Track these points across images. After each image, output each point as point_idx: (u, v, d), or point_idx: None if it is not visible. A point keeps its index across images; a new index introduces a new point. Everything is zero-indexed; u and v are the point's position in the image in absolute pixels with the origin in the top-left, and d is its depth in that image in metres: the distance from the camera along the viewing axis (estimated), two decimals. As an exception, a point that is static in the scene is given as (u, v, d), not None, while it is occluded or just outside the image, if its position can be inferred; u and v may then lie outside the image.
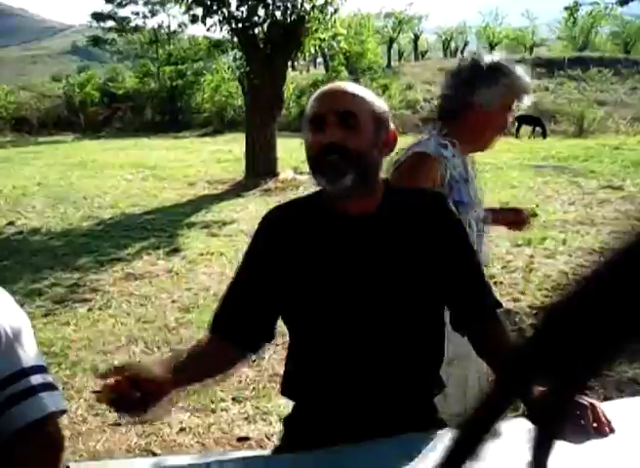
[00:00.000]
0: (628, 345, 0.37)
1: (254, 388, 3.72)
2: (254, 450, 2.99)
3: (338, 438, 1.46)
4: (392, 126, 1.59)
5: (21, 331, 1.40)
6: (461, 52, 55.58)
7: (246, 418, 3.41)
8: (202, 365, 1.54)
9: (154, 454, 3.06)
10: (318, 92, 1.57)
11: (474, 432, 0.39)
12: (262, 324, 1.62)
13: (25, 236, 7.89)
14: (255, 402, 3.56)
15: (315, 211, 1.59)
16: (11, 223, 8.51)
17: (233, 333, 1.59)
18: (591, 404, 1.46)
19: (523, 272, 5.79)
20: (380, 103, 1.57)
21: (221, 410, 3.49)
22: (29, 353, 1.38)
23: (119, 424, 3.34)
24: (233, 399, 3.60)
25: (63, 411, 1.40)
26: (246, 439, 3.22)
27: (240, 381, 3.81)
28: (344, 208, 1.56)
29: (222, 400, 3.59)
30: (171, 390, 1.37)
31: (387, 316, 1.52)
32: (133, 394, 1.29)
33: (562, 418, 0.39)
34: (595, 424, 1.44)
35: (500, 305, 1.65)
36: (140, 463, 1.57)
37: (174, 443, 3.20)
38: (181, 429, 3.31)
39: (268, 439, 3.21)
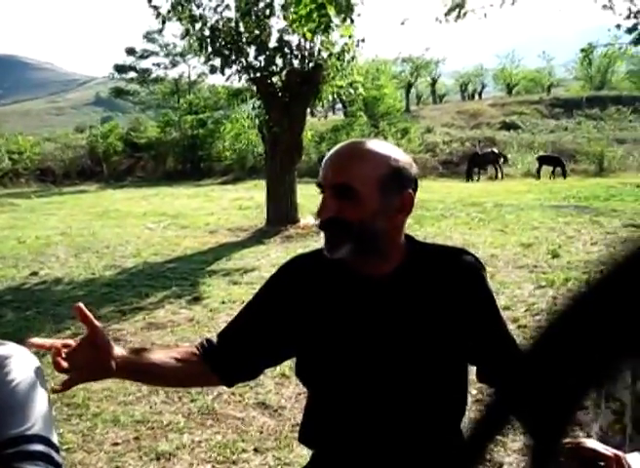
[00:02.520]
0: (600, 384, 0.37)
1: (275, 438, 3.67)
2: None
3: None
4: (410, 185, 1.51)
5: (34, 393, 1.39)
6: (479, 94, 55.96)
7: (267, 469, 3.37)
8: (171, 366, 1.56)
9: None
10: (329, 153, 1.54)
11: None
12: (249, 363, 1.63)
13: (48, 286, 7.95)
14: (276, 452, 3.51)
15: (334, 267, 1.57)
16: (34, 273, 8.58)
17: (217, 362, 1.60)
18: (616, 455, 1.42)
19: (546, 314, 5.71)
20: (393, 163, 1.49)
21: (243, 462, 3.44)
22: (39, 421, 1.36)
23: (140, 477, 3.31)
24: (255, 450, 3.56)
25: None
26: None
27: (261, 431, 3.77)
28: (357, 268, 1.55)
29: (244, 450, 3.55)
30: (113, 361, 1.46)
31: (404, 374, 1.50)
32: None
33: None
34: None
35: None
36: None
37: (195, 496, 3.16)
38: (203, 482, 3.27)
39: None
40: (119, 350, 1.50)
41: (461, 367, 1.58)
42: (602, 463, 1.41)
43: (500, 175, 24.03)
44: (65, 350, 1.44)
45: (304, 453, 3.24)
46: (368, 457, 1.51)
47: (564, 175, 22.01)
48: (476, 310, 1.55)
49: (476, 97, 55.26)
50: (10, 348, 1.45)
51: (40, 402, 1.39)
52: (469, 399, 1.65)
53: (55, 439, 1.39)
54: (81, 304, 1.48)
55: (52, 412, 1.43)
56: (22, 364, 1.42)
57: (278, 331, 1.59)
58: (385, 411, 1.50)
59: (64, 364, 1.41)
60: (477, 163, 23.96)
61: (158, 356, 1.57)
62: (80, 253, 9.98)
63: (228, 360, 1.61)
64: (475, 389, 4.08)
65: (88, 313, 1.47)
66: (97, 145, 31.50)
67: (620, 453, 1.43)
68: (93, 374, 1.48)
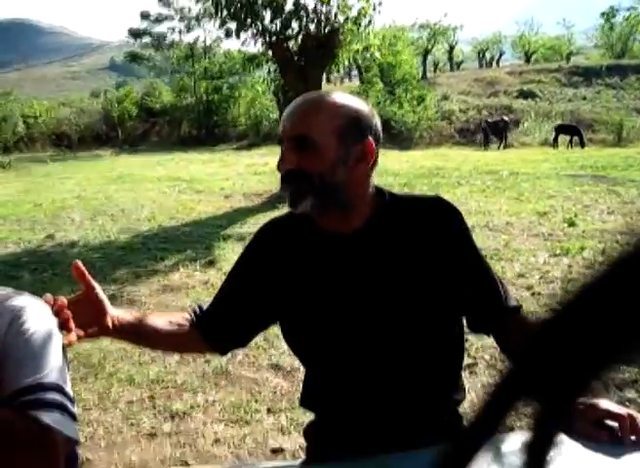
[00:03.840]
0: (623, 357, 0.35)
1: (288, 399, 3.70)
2: (287, 462, 2.97)
3: (357, 449, 1.43)
4: (370, 134, 1.47)
5: (49, 344, 1.40)
6: (497, 62, 55.24)
7: (280, 429, 3.39)
8: (165, 331, 1.58)
9: (188, 465, 3.06)
10: (287, 108, 1.51)
11: (465, 450, 0.37)
12: (237, 331, 1.63)
13: (64, 249, 8.00)
14: (289, 413, 3.54)
15: (304, 227, 1.55)
16: (50, 236, 8.64)
17: (209, 332, 1.61)
18: (630, 414, 1.41)
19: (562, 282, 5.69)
20: (352, 112, 1.46)
21: (256, 422, 3.47)
22: (54, 371, 1.37)
23: (154, 435, 3.35)
24: (268, 410, 3.59)
25: (73, 440, 1.38)
26: (280, 450, 3.20)
27: (274, 392, 3.80)
28: (327, 225, 1.52)
29: (257, 411, 3.58)
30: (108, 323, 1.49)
31: (391, 329, 1.48)
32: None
33: (554, 441, 0.36)
34: (633, 437, 1.39)
35: (519, 307, 1.58)
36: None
37: (208, 454, 3.20)
38: (216, 440, 3.31)
39: (302, 450, 3.19)
40: (115, 310, 1.52)
41: (450, 318, 1.54)
42: (616, 424, 1.40)
43: (503, 143, 23.79)
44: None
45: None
46: (366, 418, 1.51)
47: (582, 144, 21.77)
48: (456, 257, 1.51)
49: (494, 64, 54.53)
50: (26, 299, 1.45)
51: (55, 352, 1.39)
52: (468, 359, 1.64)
53: (69, 390, 1.40)
54: (78, 262, 1.49)
55: (66, 364, 1.44)
56: (38, 314, 1.43)
57: (260, 297, 1.58)
58: (376, 370, 1.49)
59: (71, 322, 1.42)
60: (489, 131, 23.78)
61: (153, 319, 1.58)
62: (95, 216, 10.04)
63: (218, 328, 1.62)
64: (488, 354, 4.09)
65: (84, 270, 1.49)
66: (112, 110, 31.49)
67: (634, 413, 1.42)
68: (89, 332, 1.49)
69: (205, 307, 1.65)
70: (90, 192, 12.60)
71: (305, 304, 1.53)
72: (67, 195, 12.16)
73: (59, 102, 34.71)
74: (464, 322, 1.59)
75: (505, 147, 23.40)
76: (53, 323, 1.45)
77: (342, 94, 1.53)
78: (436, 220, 1.51)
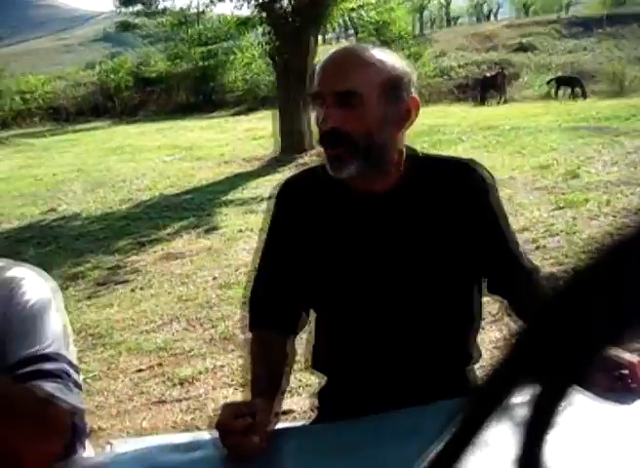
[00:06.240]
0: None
1: (297, 362, 3.70)
2: (297, 423, 2.98)
3: (371, 410, 1.41)
4: (413, 91, 1.43)
5: (48, 314, 1.38)
6: (495, 15, 54.53)
7: (289, 391, 3.40)
8: (277, 373, 1.48)
9: (199, 430, 3.08)
10: (322, 62, 1.43)
11: (469, 428, 0.35)
12: (299, 306, 1.57)
13: (67, 221, 8.00)
14: (298, 374, 3.54)
15: (330, 186, 1.48)
16: (52, 210, 8.63)
17: (278, 322, 1.53)
18: (631, 362, 1.38)
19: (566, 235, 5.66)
20: (396, 67, 1.40)
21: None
22: (55, 341, 1.35)
23: (164, 402, 3.37)
24: (276, 373, 3.60)
25: (78, 409, 1.36)
26: (290, 412, 3.22)
27: (282, 355, 3.80)
28: (358, 185, 1.47)
29: (266, 374, 3.59)
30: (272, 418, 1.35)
31: (412, 289, 1.45)
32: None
33: (553, 418, 0.34)
34: (635, 385, 1.36)
35: (537, 270, 1.57)
36: (184, 437, 1.55)
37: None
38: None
39: (312, 411, 3.20)
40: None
41: (471, 280, 1.53)
42: (626, 371, 1.38)
43: (503, 98, 23.54)
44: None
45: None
46: (381, 379, 1.49)
47: (584, 95, 21.53)
48: (482, 221, 1.48)
49: (491, 18, 53.83)
50: (25, 269, 1.44)
51: (55, 322, 1.38)
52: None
53: (73, 358, 1.38)
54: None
55: (69, 334, 1.42)
56: (37, 285, 1.41)
57: (301, 264, 1.52)
58: (394, 331, 1.47)
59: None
60: (487, 86, 23.52)
61: (263, 372, 1.48)
62: (96, 188, 10.02)
63: (285, 315, 1.54)
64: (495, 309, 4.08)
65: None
66: (107, 81, 31.22)
67: (636, 360, 1.39)
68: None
69: (260, 308, 1.57)
70: (90, 164, 12.55)
71: (331, 262, 1.49)
72: (67, 168, 12.12)
73: (53, 76, 34.40)
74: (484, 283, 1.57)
75: (505, 102, 23.17)
76: (54, 293, 1.43)
77: (383, 48, 1.47)
78: (466, 183, 1.48)
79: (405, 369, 1.48)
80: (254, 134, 15.63)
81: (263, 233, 1.64)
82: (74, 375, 1.35)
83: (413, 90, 1.43)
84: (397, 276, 1.46)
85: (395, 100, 1.39)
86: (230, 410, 1.32)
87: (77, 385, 1.35)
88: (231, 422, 1.28)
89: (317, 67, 1.44)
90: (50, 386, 1.29)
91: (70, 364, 1.36)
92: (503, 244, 1.52)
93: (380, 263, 1.46)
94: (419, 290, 1.46)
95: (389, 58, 1.42)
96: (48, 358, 1.31)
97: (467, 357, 1.57)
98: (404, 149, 1.49)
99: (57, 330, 1.36)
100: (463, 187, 1.48)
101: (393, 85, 1.39)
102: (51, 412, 1.29)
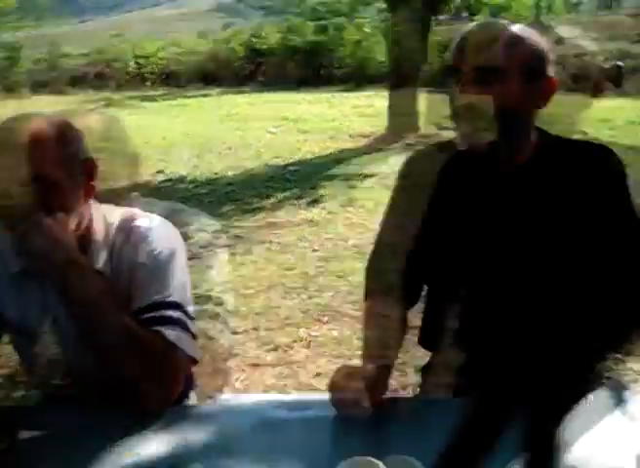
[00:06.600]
0: None
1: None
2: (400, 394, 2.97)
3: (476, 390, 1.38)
4: (551, 70, 1.41)
5: (174, 264, 1.41)
6: (619, 2, 52.06)
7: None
8: (392, 343, 1.53)
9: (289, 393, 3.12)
10: (461, 37, 1.39)
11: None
12: (423, 278, 1.59)
13: (173, 183, 8.23)
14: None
15: (465, 160, 1.47)
16: (160, 172, 8.88)
17: (400, 293, 1.54)
18: None
19: None
20: (538, 45, 1.39)
21: (359, 358, 3.48)
22: (177, 290, 1.38)
23: (257, 365, 3.42)
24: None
25: (193, 359, 1.39)
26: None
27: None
28: (492, 162, 1.45)
29: (360, 348, 3.58)
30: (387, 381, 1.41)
31: (537, 270, 1.41)
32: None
33: None
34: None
35: None
36: (277, 400, 1.57)
37: (309, 386, 3.24)
38: (318, 374, 3.34)
39: (404, 389, 3.18)
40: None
41: (593, 266, 1.45)
42: None
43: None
44: None
45: (418, 354, 3.23)
46: (495, 360, 1.44)
47: None
48: (610, 208, 1.43)
49: (613, 4, 51.43)
50: (154, 221, 1.48)
51: (179, 273, 1.42)
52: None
53: (191, 310, 1.42)
54: None
55: (190, 286, 1.46)
56: (165, 236, 1.45)
57: (436, 238, 1.53)
58: (512, 310, 1.42)
59: None
60: (602, 78, 22.53)
61: (380, 345, 1.53)
62: (203, 153, 10.23)
63: (416, 290, 1.63)
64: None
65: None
66: (219, 51, 31.76)
67: None
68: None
69: (381, 282, 1.59)
70: (198, 130, 12.82)
71: (464, 236, 1.48)
72: (176, 133, 12.42)
73: (168, 43, 35.27)
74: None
75: (621, 95, 22.16)
76: (180, 245, 1.46)
77: (522, 26, 1.43)
78: (605, 166, 1.44)
79: (517, 349, 1.41)
80: (361, 111, 15.55)
81: (381, 205, 1.62)
82: (191, 326, 1.38)
83: (551, 68, 1.41)
84: (527, 252, 1.43)
85: (535, 78, 1.38)
86: (344, 372, 1.33)
87: (194, 336, 1.38)
88: (344, 383, 1.29)
89: (456, 42, 1.41)
90: (172, 334, 1.32)
91: (189, 315, 1.39)
92: (628, 230, 1.46)
93: (513, 238, 1.44)
94: (540, 267, 1.42)
95: (532, 35, 1.40)
96: (171, 305, 1.34)
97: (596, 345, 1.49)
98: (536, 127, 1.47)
99: (181, 280, 1.40)
100: (602, 169, 1.43)
101: (535, 63, 1.38)
102: (174, 359, 1.33)
